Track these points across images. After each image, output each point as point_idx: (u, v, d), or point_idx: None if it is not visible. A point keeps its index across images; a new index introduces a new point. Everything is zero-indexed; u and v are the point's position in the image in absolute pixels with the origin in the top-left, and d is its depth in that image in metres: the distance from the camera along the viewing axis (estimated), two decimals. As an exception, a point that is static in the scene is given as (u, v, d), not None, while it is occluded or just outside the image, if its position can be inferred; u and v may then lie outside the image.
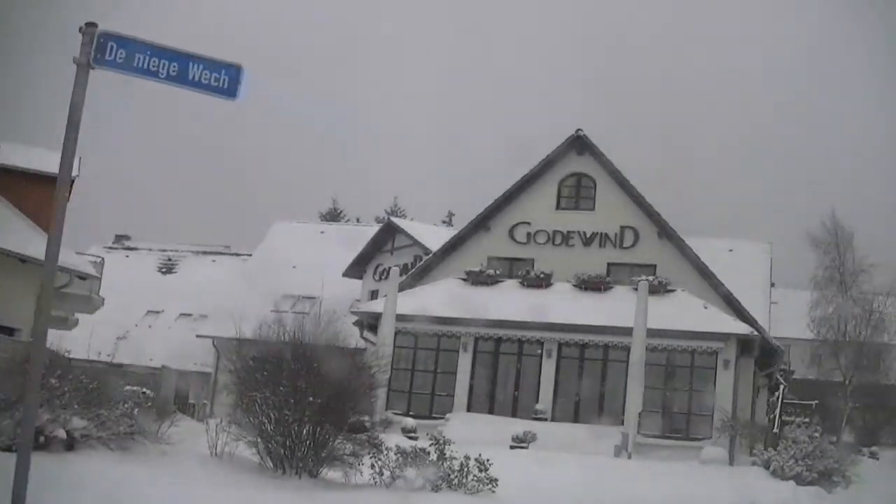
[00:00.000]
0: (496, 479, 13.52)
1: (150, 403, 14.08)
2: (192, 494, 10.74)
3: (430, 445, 13.86)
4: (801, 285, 40.89)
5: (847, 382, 36.90)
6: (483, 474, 13.44)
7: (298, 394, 13.06)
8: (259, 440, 13.39)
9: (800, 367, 41.10)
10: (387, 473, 13.48)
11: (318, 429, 13.33)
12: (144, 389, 15.93)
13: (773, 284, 34.11)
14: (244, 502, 11.11)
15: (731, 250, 32.62)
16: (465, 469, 13.45)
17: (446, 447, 13.73)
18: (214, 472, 12.67)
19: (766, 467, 20.52)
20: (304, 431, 13.27)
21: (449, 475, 13.45)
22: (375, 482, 13.55)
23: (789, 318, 36.69)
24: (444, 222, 56.14)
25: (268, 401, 13.20)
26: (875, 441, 35.89)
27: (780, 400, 28.74)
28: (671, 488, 16.72)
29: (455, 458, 13.50)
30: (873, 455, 31.46)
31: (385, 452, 13.57)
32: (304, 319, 16.38)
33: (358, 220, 57.81)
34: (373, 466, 13.49)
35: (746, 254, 33.46)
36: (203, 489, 11.16)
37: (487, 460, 13.51)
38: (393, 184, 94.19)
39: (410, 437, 18.51)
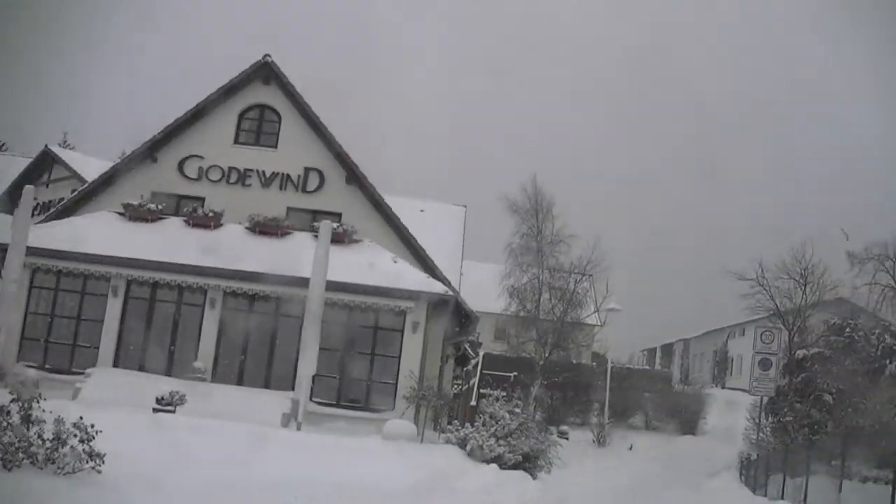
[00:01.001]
0: (102, 455, 9.21)
1: None
2: None
3: (10, 402, 9.36)
4: (489, 258, 39.37)
5: (539, 359, 35.26)
6: (84, 446, 9.08)
7: None
8: None
9: (487, 342, 39.78)
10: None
11: None
12: None
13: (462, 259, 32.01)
14: None
15: (422, 210, 30.31)
16: (61, 439, 9.06)
17: (35, 405, 9.24)
18: None
19: (462, 446, 17.68)
20: None
21: (31, 446, 8.98)
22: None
23: (477, 290, 34.66)
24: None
25: None
26: (563, 420, 34.95)
27: (478, 369, 26.32)
28: (347, 468, 14.46)
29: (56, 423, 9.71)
30: (563, 434, 31.13)
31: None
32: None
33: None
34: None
35: (439, 215, 31.60)
36: None
37: (92, 426, 9.19)
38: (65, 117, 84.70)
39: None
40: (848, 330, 29.53)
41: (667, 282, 78.04)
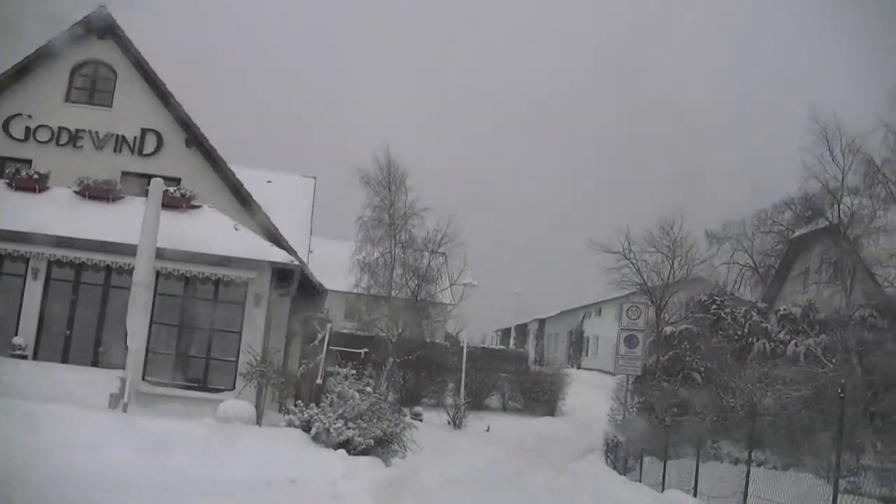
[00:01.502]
0: None
1: None
2: None
3: None
4: (343, 235, 37.36)
5: (391, 337, 33.34)
6: None
7: None
8: None
9: (339, 320, 38.57)
10: None
11: None
12: None
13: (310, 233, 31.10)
14: None
15: (269, 182, 29.31)
16: None
17: None
18: None
19: (307, 430, 15.52)
20: None
21: None
22: None
23: (328, 267, 32.90)
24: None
25: None
26: (417, 401, 33.08)
27: (325, 344, 24.15)
28: (170, 455, 12.43)
29: None
30: (417, 416, 29.99)
31: None
32: None
33: None
34: None
35: (288, 186, 30.58)
36: None
37: None
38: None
39: None
40: (714, 307, 28.57)
41: (526, 259, 77.81)
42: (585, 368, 54.10)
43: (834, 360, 23.36)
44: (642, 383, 27.19)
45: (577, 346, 64.11)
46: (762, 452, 22.29)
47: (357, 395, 16.59)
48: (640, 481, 19.96)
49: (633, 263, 33.30)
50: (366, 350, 32.72)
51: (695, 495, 16.24)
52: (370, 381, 18.16)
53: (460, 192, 79.76)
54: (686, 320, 29.45)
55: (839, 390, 18.72)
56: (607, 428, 27.12)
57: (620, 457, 23.97)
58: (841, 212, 25.51)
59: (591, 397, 39.97)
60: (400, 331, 33.96)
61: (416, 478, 16.12)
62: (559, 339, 68.98)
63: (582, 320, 65.59)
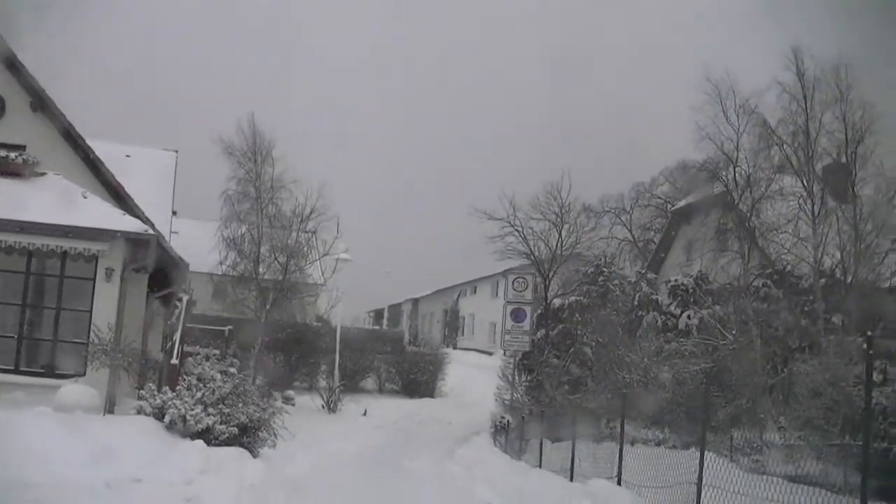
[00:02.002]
0: None
1: None
2: None
3: None
4: (209, 215, 34.68)
5: (260, 318, 30.83)
6: None
7: None
8: None
9: (205, 303, 35.97)
10: None
11: None
12: None
13: (175, 213, 28.57)
14: None
15: (128, 156, 26.45)
16: None
17: None
18: None
19: (160, 417, 13.29)
20: None
21: None
22: None
23: (194, 250, 29.94)
24: None
25: None
26: (289, 385, 30.80)
27: (180, 321, 21.66)
28: None
29: None
30: (289, 400, 28.03)
31: None
32: None
33: None
34: None
35: (147, 161, 27.69)
36: None
37: None
38: None
39: None
40: (602, 279, 27.13)
41: (400, 237, 75.80)
42: (462, 348, 52.52)
43: (734, 332, 22.18)
44: (530, 359, 25.49)
45: (453, 325, 62.68)
46: (660, 431, 21.03)
47: (219, 376, 14.38)
48: (541, 466, 18.19)
49: (518, 231, 30.63)
50: (230, 328, 30.18)
51: (619, 483, 14.32)
52: (235, 361, 15.87)
53: (331, 165, 76.81)
54: (574, 293, 27.80)
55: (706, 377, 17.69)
56: (494, 409, 25.30)
57: (512, 439, 22.28)
58: (737, 175, 24.31)
59: (471, 377, 38.64)
60: (268, 308, 31.47)
61: (287, 469, 14.00)
62: (434, 319, 67.44)
63: (457, 299, 64.20)
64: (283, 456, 14.67)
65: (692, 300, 26.73)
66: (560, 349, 25.18)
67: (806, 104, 24.68)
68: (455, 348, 50.90)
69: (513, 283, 25.30)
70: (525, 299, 25.13)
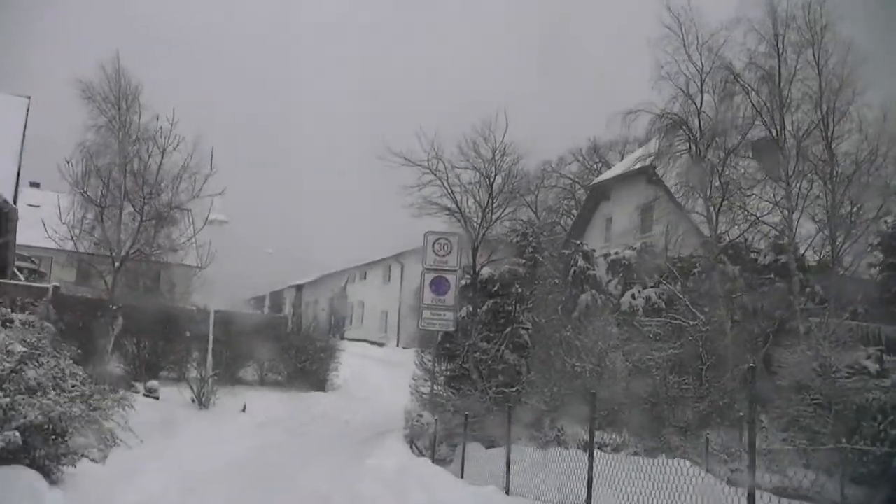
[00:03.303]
0: None
1: None
2: None
3: None
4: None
5: (115, 306, 25.29)
6: None
7: None
8: None
9: (65, 279, 31.48)
10: None
11: None
12: None
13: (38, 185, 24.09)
14: None
15: None
16: None
17: None
18: None
19: None
20: None
21: None
22: None
23: (56, 226, 25.30)
24: None
25: None
26: (155, 374, 26.42)
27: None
28: None
29: None
30: (151, 392, 23.45)
31: None
32: None
33: None
34: None
35: None
36: None
37: None
38: None
39: None
40: (530, 250, 22.39)
41: (287, 213, 69.70)
42: (350, 339, 47.32)
43: (706, 310, 17.91)
44: (454, 342, 20.47)
45: (340, 313, 57.50)
46: (618, 434, 16.63)
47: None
48: (492, 485, 13.37)
49: (441, 181, 23.86)
50: (55, 284, 24.54)
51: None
52: (48, 326, 10.53)
53: (210, 123, 69.55)
54: (505, 261, 22.67)
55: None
56: (410, 404, 20.12)
57: (431, 443, 17.35)
58: (701, 123, 20.01)
59: (365, 369, 33.86)
60: (116, 279, 25.78)
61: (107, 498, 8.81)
62: (319, 307, 61.94)
63: (345, 285, 59.09)
64: (111, 477, 9.55)
65: (635, 277, 22.48)
66: (491, 330, 20.39)
67: (777, 46, 20.75)
68: (342, 339, 45.60)
69: (433, 244, 19.90)
70: (448, 266, 19.90)
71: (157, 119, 26.32)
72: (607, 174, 35.95)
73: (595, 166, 46.38)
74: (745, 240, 21.12)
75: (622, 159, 40.89)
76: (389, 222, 42.29)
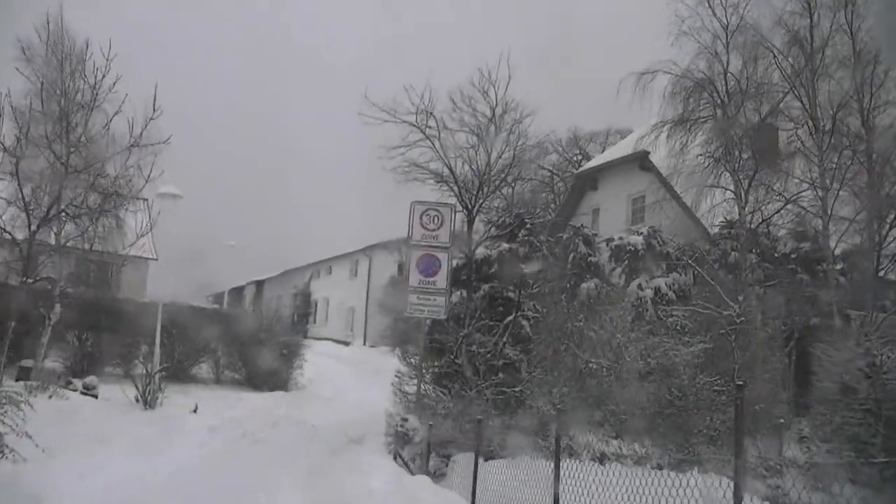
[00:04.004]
0: None
1: None
2: None
3: None
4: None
5: (60, 280, 23.00)
6: None
7: None
8: None
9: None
10: None
11: None
12: None
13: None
14: None
15: None
16: None
17: None
18: None
19: None
20: None
21: None
22: None
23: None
24: None
25: None
26: (98, 370, 23.84)
27: None
28: None
29: None
30: (90, 390, 20.83)
31: None
32: None
33: None
34: None
35: None
36: None
37: None
38: None
39: None
40: (523, 233, 19.56)
41: (248, 202, 66.50)
42: (314, 337, 44.58)
43: (741, 300, 15.36)
44: (443, 333, 17.36)
45: (303, 310, 54.60)
46: (639, 444, 14.07)
47: None
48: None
49: (429, 139, 19.53)
50: None
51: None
52: None
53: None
54: (501, 239, 19.35)
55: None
56: (391, 406, 17.09)
57: (424, 455, 14.45)
58: (728, 87, 17.40)
59: (329, 368, 31.41)
60: (68, 269, 22.88)
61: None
62: (281, 304, 59.00)
63: (309, 281, 56.20)
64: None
65: (640, 265, 19.88)
66: (489, 319, 17.47)
67: (809, 4, 18.26)
68: (306, 337, 42.82)
69: (421, 216, 16.29)
70: (439, 242, 16.45)
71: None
72: (595, 161, 33.73)
73: (575, 158, 44.18)
74: (768, 225, 18.68)
75: (603, 151, 38.74)
76: (358, 213, 39.59)
